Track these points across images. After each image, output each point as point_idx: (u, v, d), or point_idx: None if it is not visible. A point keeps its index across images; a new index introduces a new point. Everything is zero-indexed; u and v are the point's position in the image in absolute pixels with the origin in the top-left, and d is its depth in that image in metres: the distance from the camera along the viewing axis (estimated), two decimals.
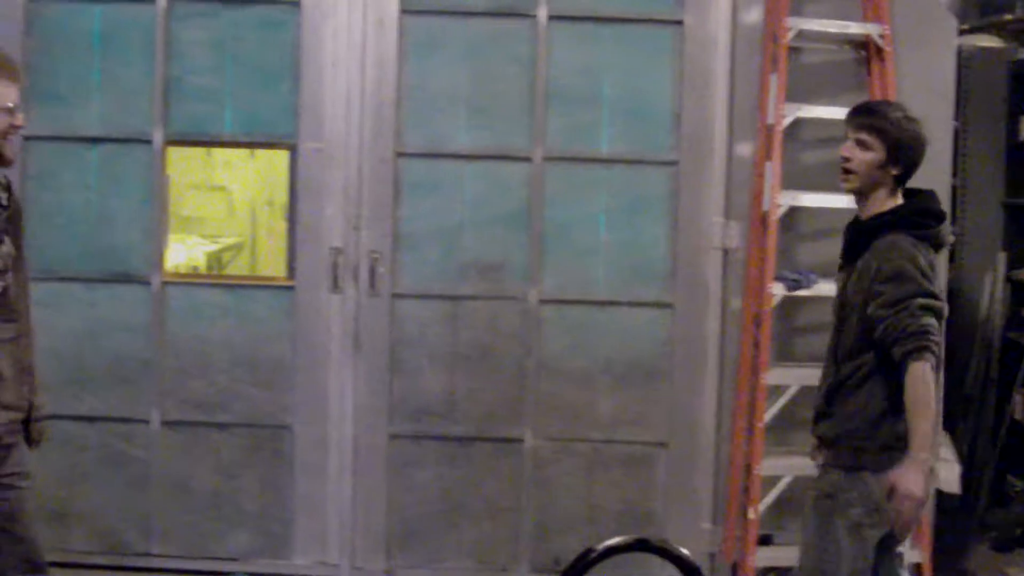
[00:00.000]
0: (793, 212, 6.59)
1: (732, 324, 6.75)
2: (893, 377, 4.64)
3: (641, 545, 4.14)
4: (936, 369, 4.57)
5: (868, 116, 4.79)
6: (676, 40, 6.72)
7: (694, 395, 6.80)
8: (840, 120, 5.25)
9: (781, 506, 6.56)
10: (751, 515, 6.42)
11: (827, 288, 6.31)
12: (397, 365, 6.85)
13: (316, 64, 6.77)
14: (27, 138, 6.74)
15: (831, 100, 6.48)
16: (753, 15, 6.68)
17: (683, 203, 6.75)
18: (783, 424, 6.58)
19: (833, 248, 6.43)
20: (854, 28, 6.51)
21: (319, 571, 6.91)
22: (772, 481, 6.52)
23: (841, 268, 4.96)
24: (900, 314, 4.54)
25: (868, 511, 4.74)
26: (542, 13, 6.70)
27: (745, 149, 6.71)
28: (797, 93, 6.49)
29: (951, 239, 4.96)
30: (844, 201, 6.20)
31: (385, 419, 6.85)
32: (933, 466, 4.66)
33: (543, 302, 6.82)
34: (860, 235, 4.80)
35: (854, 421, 4.77)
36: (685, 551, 4.08)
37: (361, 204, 6.79)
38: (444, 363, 6.87)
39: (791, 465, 6.46)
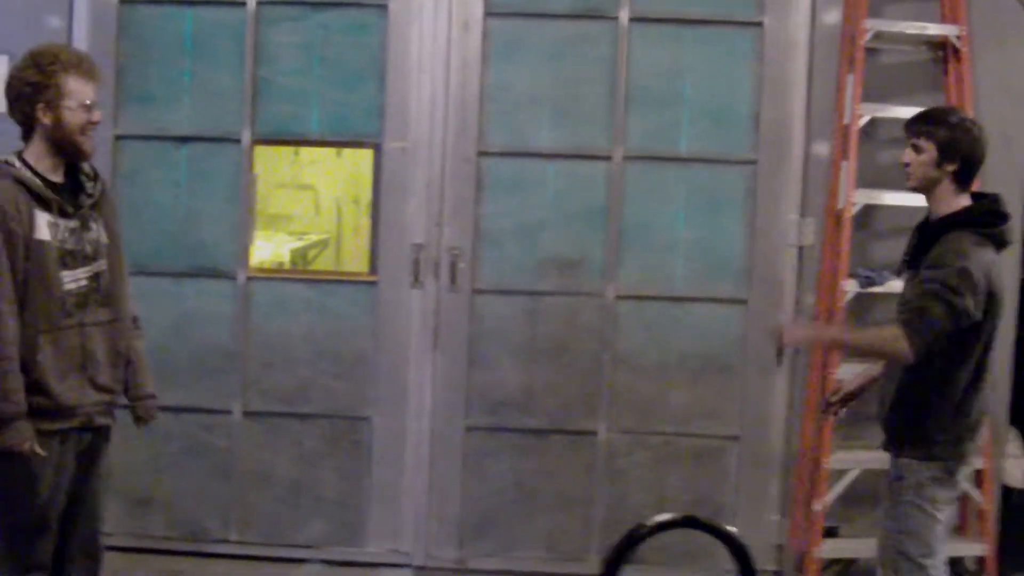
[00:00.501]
0: (868, 210, 6.70)
1: (805, 320, 6.84)
2: (960, 376, 4.89)
3: (689, 522, 4.27)
4: (913, 346, 4.76)
5: (918, 122, 5.07)
6: (756, 41, 6.85)
7: (766, 390, 6.90)
8: None
9: (848, 499, 6.65)
10: (816, 507, 6.50)
11: (899, 286, 6.43)
12: (475, 359, 6.98)
13: (402, 66, 6.92)
14: (119, 137, 6.99)
15: (907, 100, 6.56)
16: (832, 17, 6.79)
17: (760, 201, 6.86)
18: (852, 418, 6.64)
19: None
20: (932, 29, 6.63)
21: (392, 559, 7.04)
22: (840, 475, 6.61)
23: (908, 267, 5.14)
24: (915, 292, 4.84)
25: (937, 491, 4.94)
26: (623, 15, 6.84)
27: (822, 148, 6.81)
28: (874, 93, 6.61)
29: (1015, 238, 5.12)
30: (918, 199, 6.35)
31: (462, 412, 6.98)
32: (823, 339, 5.45)
33: (620, 298, 6.93)
34: (929, 236, 5.01)
35: (927, 420, 4.95)
36: (733, 529, 4.21)
37: (443, 201, 6.93)
38: (522, 357, 6.99)
39: (859, 459, 6.58)
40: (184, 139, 7.08)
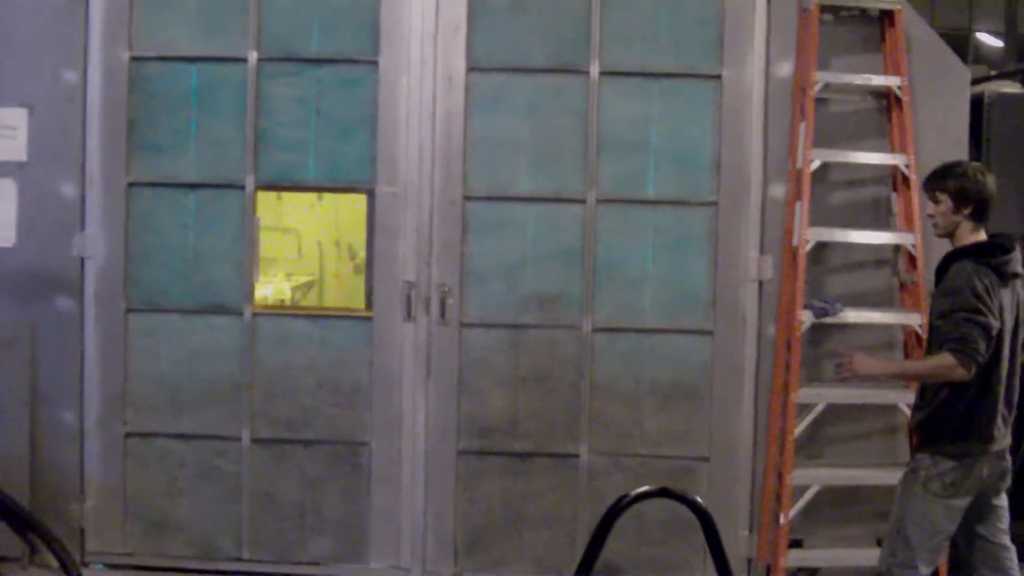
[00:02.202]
0: (821, 247, 7.15)
1: (766, 349, 7.30)
2: (971, 380, 5.63)
3: (663, 493, 4.91)
4: (967, 366, 5.54)
5: (932, 180, 5.92)
6: (716, 93, 7.30)
7: (732, 414, 7.35)
8: (862, 164, 6.93)
9: (810, 513, 7.11)
10: (782, 520, 6.94)
11: (852, 316, 6.99)
12: (465, 387, 7.42)
13: (392, 117, 7.37)
14: (131, 184, 7.43)
15: (855, 145, 7.12)
16: (785, 70, 7.24)
17: (722, 240, 7.32)
18: (812, 439, 7.17)
19: (857, 279, 7.22)
20: (876, 80, 7.09)
21: (393, 575, 7.47)
22: (802, 491, 7.03)
23: (936, 285, 5.92)
24: (948, 324, 5.59)
25: (945, 486, 5.73)
26: (594, 69, 7.29)
27: (778, 190, 7.26)
28: (824, 139, 7.07)
29: (1018, 270, 5.78)
30: (867, 237, 7.01)
31: (454, 436, 7.42)
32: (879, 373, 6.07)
33: (596, 330, 7.38)
34: (943, 264, 5.83)
35: (939, 414, 5.75)
36: (699, 499, 4.97)
37: (432, 242, 7.37)
38: (507, 386, 7.44)
39: (819, 475, 7.07)
40: (192, 186, 7.48)
